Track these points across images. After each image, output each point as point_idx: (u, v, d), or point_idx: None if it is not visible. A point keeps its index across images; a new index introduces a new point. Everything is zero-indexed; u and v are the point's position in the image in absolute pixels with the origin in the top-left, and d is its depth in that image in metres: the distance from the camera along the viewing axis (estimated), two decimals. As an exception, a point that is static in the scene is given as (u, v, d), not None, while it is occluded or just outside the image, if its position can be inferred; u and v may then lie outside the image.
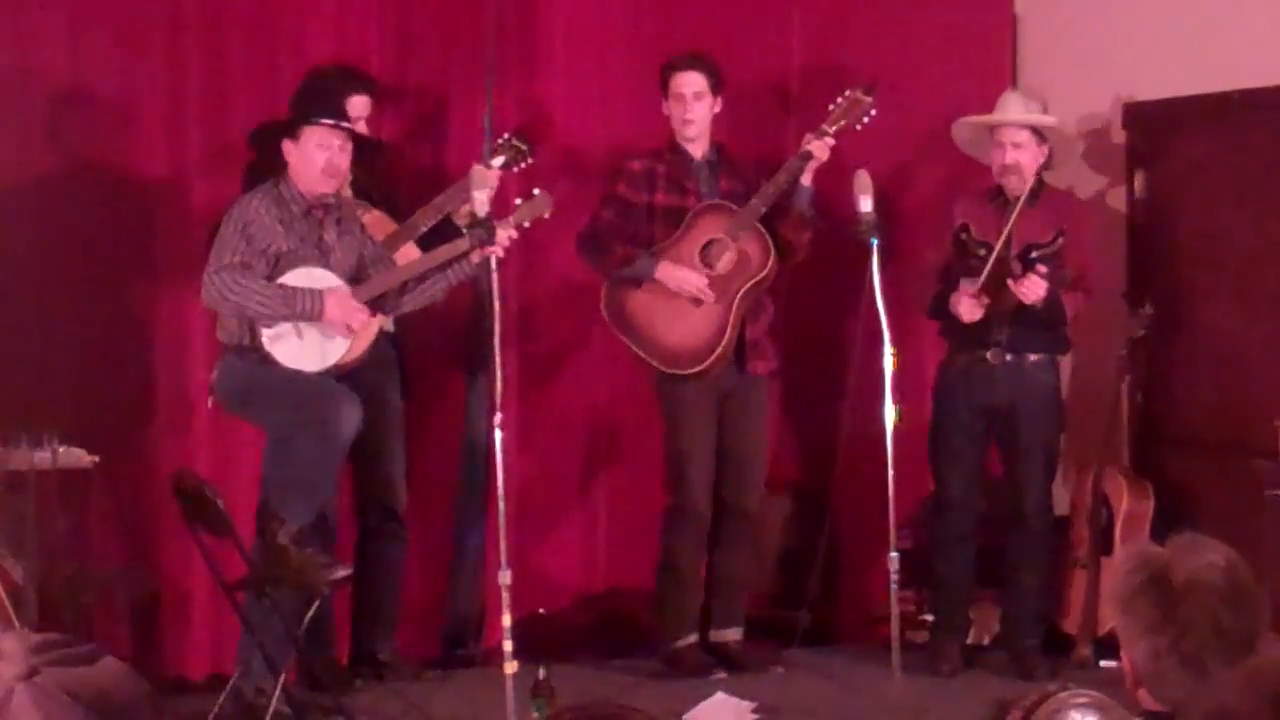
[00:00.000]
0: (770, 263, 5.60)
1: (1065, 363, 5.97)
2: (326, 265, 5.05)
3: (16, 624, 4.69)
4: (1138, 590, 2.42)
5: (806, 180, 5.58)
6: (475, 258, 5.07)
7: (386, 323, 5.53)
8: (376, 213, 5.51)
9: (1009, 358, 5.64)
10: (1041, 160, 5.68)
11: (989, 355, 5.65)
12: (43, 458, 4.93)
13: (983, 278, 5.54)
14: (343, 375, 5.19)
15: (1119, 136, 6.14)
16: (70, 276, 5.50)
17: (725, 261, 5.61)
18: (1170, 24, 5.96)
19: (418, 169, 5.96)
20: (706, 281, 5.59)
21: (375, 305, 5.15)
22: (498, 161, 5.39)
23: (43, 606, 4.90)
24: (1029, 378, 5.68)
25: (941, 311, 5.74)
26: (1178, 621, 2.38)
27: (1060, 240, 5.62)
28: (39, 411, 5.19)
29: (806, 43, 6.36)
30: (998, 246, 5.54)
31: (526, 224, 5.24)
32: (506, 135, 5.51)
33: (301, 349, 5.00)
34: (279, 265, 4.97)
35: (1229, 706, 1.87)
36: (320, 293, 4.97)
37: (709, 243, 5.63)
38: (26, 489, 4.95)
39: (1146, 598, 2.41)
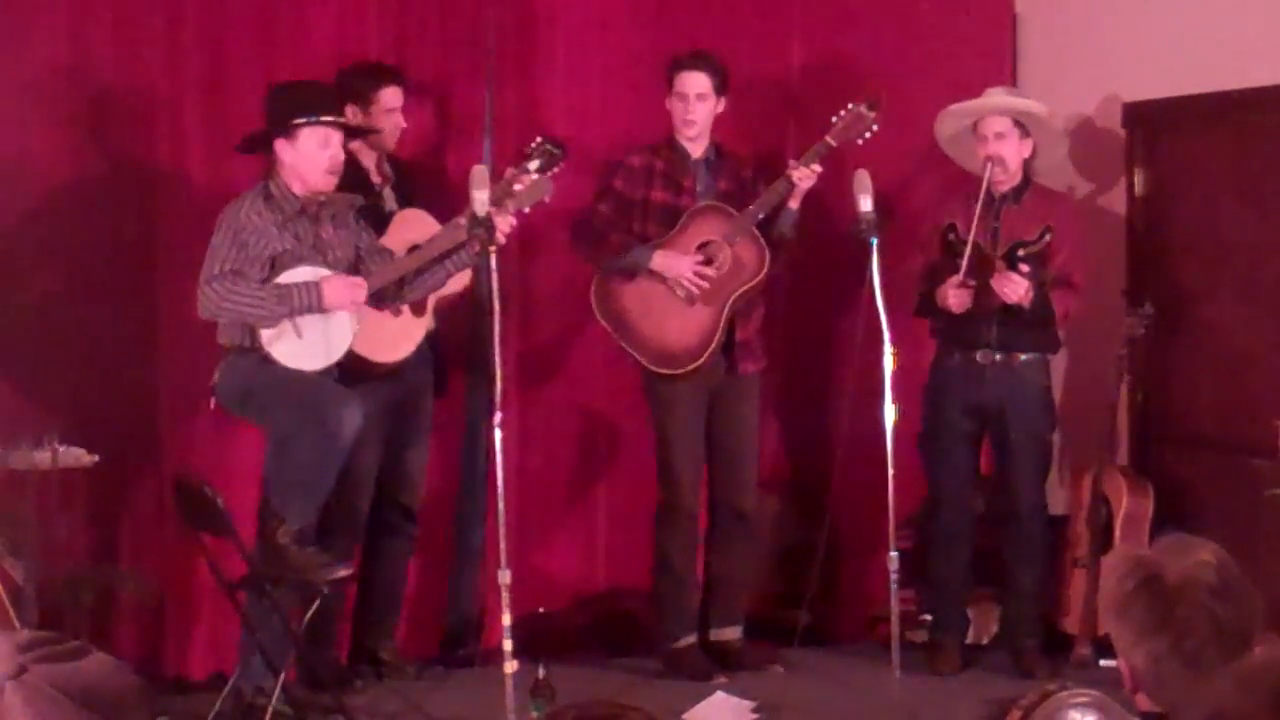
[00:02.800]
0: (764, 270, 5.61)
1: (1059, 362, 5.98)
2: (325, 262, 5.06)
3: (17, 624, 4.69)
4: (1131, 595, 2.42)
5: (794, 204, 5.59)
6: (473, 247, 5.09)
7: (429, 321, 5.55)
8: (415, 212, 5.51)
9: (999, 357, 5.65)
10: (1026, 154, 5.68)
11: (978, 355, 5.65)
12: (43, 457, 4.93)
13: (964, 266, 5.54)
14: (388, 375, 5.21)
15: (1119, 136, 6.14)
16: (71, 276, 5.50)
17: (720, 264, 5.62)
18: (1170, 24, 5.96)
19: (418, 167, 5.95)
20: (701, 259, 5.59)
21: (376, 299, 5.16)
22: (533, 165, 5.38)
23: (43, 606, 4.91)
24: (1020, 377, 5.67)
25: (929, 309, 5.74)
26: (1175, 622, 2.38)
27: (1047, 238, 5.62)
28: (39, 411, 5.20)
29: (806, 43, 6.36)
30: (970, 236, 5.54)
31: (526, 209, 5.26)
32: (540, 139, 5.47)
33: (302, 347, 5.00)
34: (276, 266, 4.98)
35: (1228, 707, 1.87)
36: (316, 283, 4.97)
37: (704, 244, 5.64)
38: (27, 489, 4.95)
39: (1141, 602, 2.41)
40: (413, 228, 5.44)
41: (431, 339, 5.66)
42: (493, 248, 4.85)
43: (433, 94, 6.01)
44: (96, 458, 5.07)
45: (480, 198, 4.89)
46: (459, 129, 6.03)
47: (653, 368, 5.65)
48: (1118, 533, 5.78)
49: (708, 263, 5.62)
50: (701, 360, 5.60)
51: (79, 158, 5.57)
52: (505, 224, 5.05)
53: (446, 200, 5.57)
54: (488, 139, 5.96)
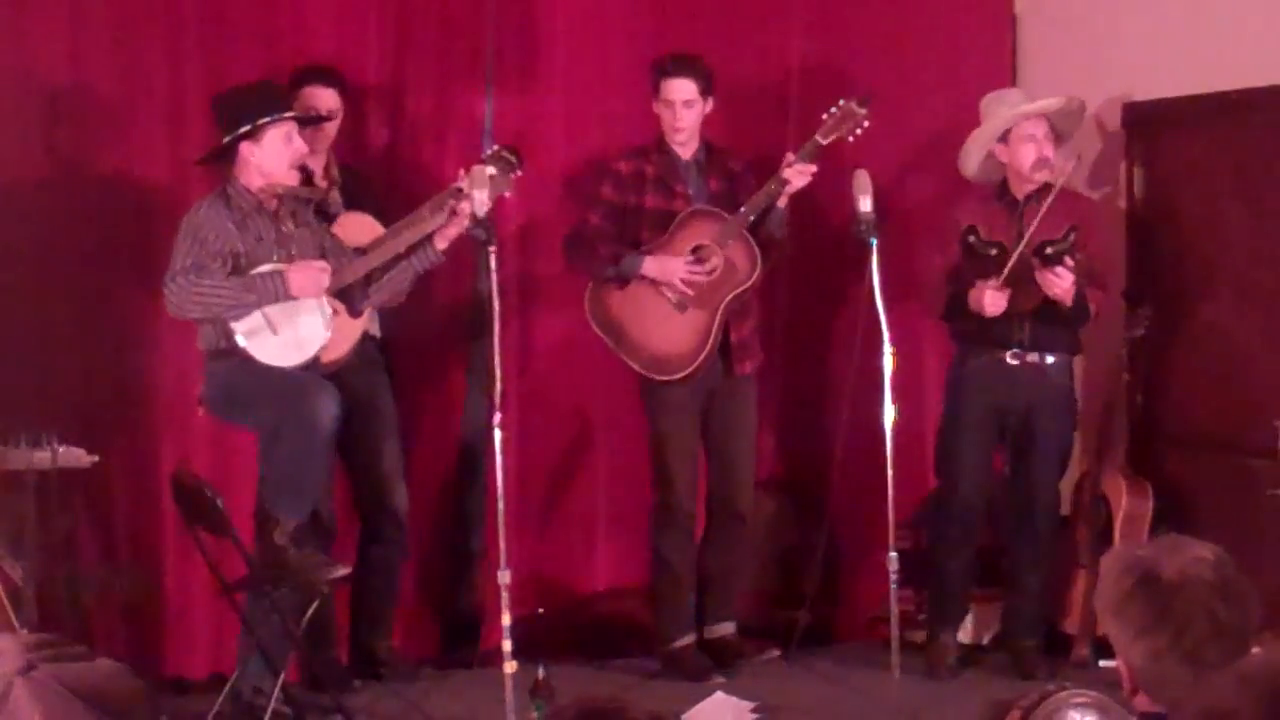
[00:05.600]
0: (756, 272, 5.60)
1: (1076, 363, 5.97)
2: (288, 257, 5.06)
3: (16, 624, 4.69)
4: (1128, 593, 2.42)
5: (782, 202, 5.57)
6: (439, 243, 5.12)
7: (372, 325, 5.54)
8: (357, 215, 5.50)
9: (1030, 358, 5.61)
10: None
11: (1008, 356, 5.61)
12: (42, 457, 4.92)
13: (1005, 273, 5.48)
14: (328, 377, 5.20)
15: (1119, 136, 6.14)
16: (70, 276, 5.50)
17: (712, 267, 5.61)
18: (1170, 24, 5.96)
19: (417, 169, 5.95)
20: (692, 260, 5.58)
21: (341, 297, 5.14)
22: (489, 172, 5.40)
23: (42, 607, 4.90)
24: (1048, 379, 5.64)
25: (958, 313, 5.70)
26: (1174, 618, 2.38)
27: (1073, 236, 5.58)
28: (38, 411, 5.19)
29: (805, 43, 6.35)
30: (1026, 237, 5.46)
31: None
32: (496, 147, 5.50)
33: (278, 344, 4.99)
34: (237, 265, 4.98)
35: (1224, 706, 1.87)
36: (279, 271, 4.97)
37: (696, 248, 5.63)
38: (26, 489, 4.95)
39: (1138, 599, 2.41)
40: (355, 231, 5.42)
41: (379, 344, 5.65)
42: (492, 248, 4.86)
43: (431, 96, 6.01)
44: (96, 458, 5.07)
45: (480, 198, 4.90)
46: (459, 129, 6.02)
47: (647, 374, 5.65)
48: (1117, 533, 5.78)
49: (700, 264, 5.61)
50: (695, 366, 5.60)
51: (77, 158, 5.56)
52: (468, 206, 5.03)
53: (398, 206, 5.53)
54: (487, 139, 5.95)
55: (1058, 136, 5.68)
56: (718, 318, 5.60)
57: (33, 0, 5.49)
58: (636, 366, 5.65)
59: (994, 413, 5.69)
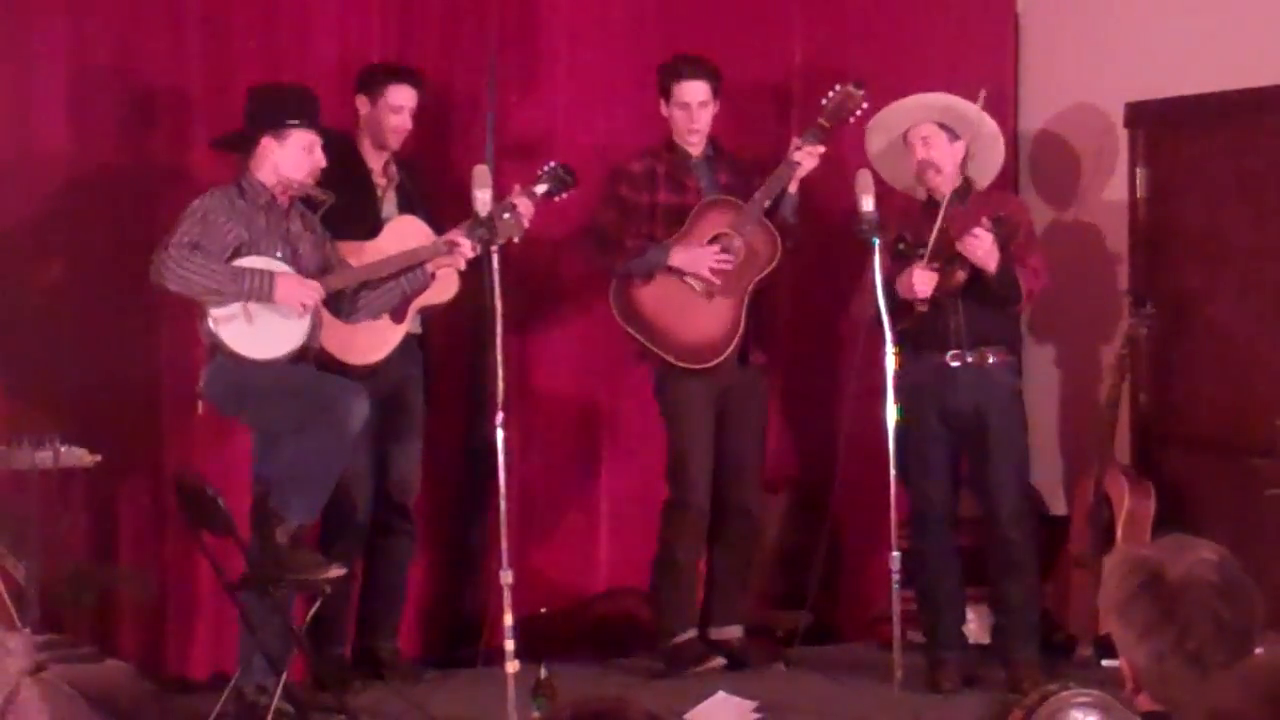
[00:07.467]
0: (778, 254, 5.62)
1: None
2: (292, 253, 5.06)
3: (19, 624, 4.69)
4: (1133, 594, 2.42)
5: (793, 188, 5.58)
6: (430, 267, 5.15)
7: (414, 325, 5.54)
8: (409, 219, 5.50)
9: (970, 359, 5.50)
10: (959, 156, 5.54)
11: (949, 359, 5.52)
12: (45, 457, 4.92)
13: (929, 249, 5.36)
14: (366, 375, 5.20)
15: (1121, 136, 6.14)
16: (73, 276, 5.51)
17: (735, 254, 5.62)
18: (1171, 24, 5.96)
19: (426, 171, 5.95)
20: (720, 249, 5.59)
21: (330, 303, 5.14)
22: (541, 189, 5.39)
23: (45, 606, 4.90)
24: (992, 380, 5.52)
25: (895, 318, 5.46)
26: (1177, 620, 2.38)
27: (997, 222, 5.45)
28: (41, 411, 5.20)
29: (807, 43, 6.36)
30: (936, 227, 5.36)
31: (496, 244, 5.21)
32: (552, 164, 5.48)
33: (253, 333, 4.96)
34: (237, 253, 4.97)
35: (1226, 706, 1.88)
36: (271, 273, 4.95)
37: (715, 237, 5.65)
38: (29, 488, 4.95)
39: (1143, 600, 2.41)
40: (404, 236, 5.42)
41: (420, 342, 5.65)
42: (494, 248, 4.86)
43: (434, 94, 6.01)
44: (98, 458, 5.06)
45: (482, 197, 4.90)
46: (461, 129, 6.03)
47: (680, 365, 5.63)
48: (1119, 532, 5.77)
49: (724, 253, 5.63)
50: (729, 352, 5.60)
51: (81, 157, 5.57)
52: (468, 249, 5.06)
53: (451, 203, 5.55)
54: (489, 139, 5.95)
55: (955, 138, 5.54)
56: (745, 303, 5.61)
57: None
58: (669, 358, 5.64)
59: (944, 418, 5.54)
